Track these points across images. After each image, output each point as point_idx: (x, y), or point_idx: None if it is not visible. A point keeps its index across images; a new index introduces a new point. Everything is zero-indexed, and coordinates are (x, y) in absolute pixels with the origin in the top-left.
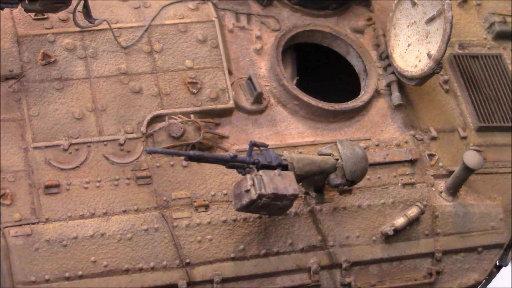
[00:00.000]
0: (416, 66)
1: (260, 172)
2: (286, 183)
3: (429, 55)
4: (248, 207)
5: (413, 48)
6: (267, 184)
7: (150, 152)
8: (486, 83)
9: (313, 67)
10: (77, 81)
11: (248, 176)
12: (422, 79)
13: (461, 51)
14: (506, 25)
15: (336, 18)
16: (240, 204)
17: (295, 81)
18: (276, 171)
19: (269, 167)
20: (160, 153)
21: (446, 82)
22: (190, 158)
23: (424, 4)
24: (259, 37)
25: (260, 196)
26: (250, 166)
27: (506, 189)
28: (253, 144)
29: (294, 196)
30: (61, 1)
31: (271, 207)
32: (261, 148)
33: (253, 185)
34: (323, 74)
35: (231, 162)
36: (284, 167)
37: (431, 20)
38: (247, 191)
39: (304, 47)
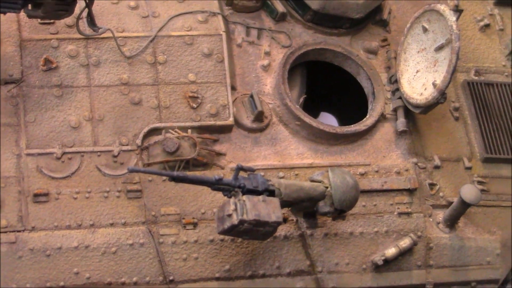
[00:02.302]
0: (421, 94)
1: (244, 197)
2: (269, 210)
3: (434, 85)
4: (230, 231)
5: (421, 75)
6: (249, 210)
7: (132, 171)
8: (498, 112)
9: (326, 84)
10: (77, 89)
11: (231, 200)
12: (426, 108)
13: (476, 78)
14: None
15: (350, 37)
16: (222, 228)
17: (302, 99)
18: (261, 197)
19: (254, 192)
20: (143, 172)
21: (456, 109)
22: (173, 179)
23: (434, 31)
24: (268, 53)
25: (242, 222)
26: (236, 189)
27: (507, 223)
28: (240, 168)
29: (277, 223)
30: (64, 8)
31: (253, 232)
32: (248, 172)
33: (236, 210)
34: (336, 91)
35: (216, 185)
36: (271, 193)
37: (440, 48)
38: (229, 215)
39: (317, 64)
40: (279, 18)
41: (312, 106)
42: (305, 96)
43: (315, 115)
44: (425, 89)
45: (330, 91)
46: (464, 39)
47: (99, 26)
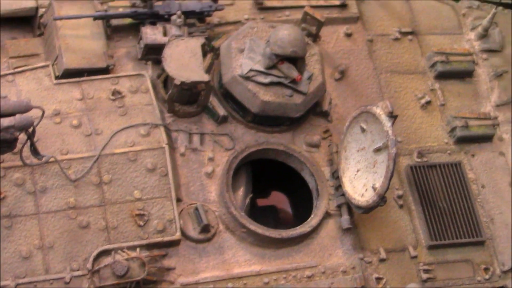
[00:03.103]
0: (363, 195)
1: None
2: None
3: (374, 188)
4: None
5: (361, 175)
6: None
7: None
8: (442, 195)
9: (275, 168)
10: (25, 218)
11: None
12: (368, 209)
13: (419, 160)
14: (467, 129)
15: (292, 133)
16: None
17: (248, 200)
18: None
19: None
20: None
21: (400, 197)
22: None
23: (372, 132)
24: (211, 159)
25: None
26: None
27: None
28: None
29: None
30: (6, 145)
31: None
32: None
33: None
34: (286, 171)
35: None
36: None
37: (378, 150)
38: None
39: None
40: (221, 120)
41: (264, 186)
42: (251, 195)
43: (266, 194)
44: (366, 190)
45: (280, 171)
46: (405, 119)
47: (42, 154)
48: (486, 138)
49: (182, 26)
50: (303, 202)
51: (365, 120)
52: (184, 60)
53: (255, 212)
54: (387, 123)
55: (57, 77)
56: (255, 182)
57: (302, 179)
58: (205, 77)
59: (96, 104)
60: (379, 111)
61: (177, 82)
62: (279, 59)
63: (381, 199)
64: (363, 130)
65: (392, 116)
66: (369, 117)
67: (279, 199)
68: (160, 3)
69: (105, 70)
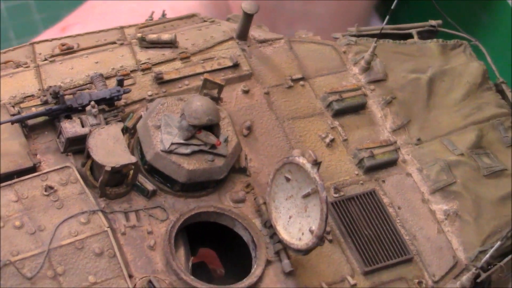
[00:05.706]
0: (300, 239)
1: None
2: None
3: (311, 231)
4: None
5: (294, 220)
6: None
7: None
8: (365, 223)
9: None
10: None
11: None
12: (308, 251)
13: (337, 195)
14: (374, 158)
15: (218, 193)
16: None
17: (190, 263)
18: None
19: None
20: None
21: (328, 233)
22: None
23: (298, 180)
24: (150, 232)
25: None
26: None
27: None
28: None
29: None
30: None
31: None
32: None
33: None
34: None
35: None
36: None
37: (307, 196)
38: None
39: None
40: (151, 195)
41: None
42: (193, 258)
43: (194, 252)
44: (303, 234)
45: (206, 229)
46: None
47: None
48: (391, 163)
49: (98, 115)
50: (232, 256)
51: (289, 170)
52: (109, 146)
53: None
54: (312, 171)
55: None
56: None
57: (230, 235)
58: (133, 159)
59: (32, 202)
60: (302, 160)
61: (108, 168)
62: (196, 129)
63: (320, 240)
64: (288, 179)
65: (317, 164)
66: (292, 167)
67: (208, 255)
68: (70, 96)
69: (33, 169)
